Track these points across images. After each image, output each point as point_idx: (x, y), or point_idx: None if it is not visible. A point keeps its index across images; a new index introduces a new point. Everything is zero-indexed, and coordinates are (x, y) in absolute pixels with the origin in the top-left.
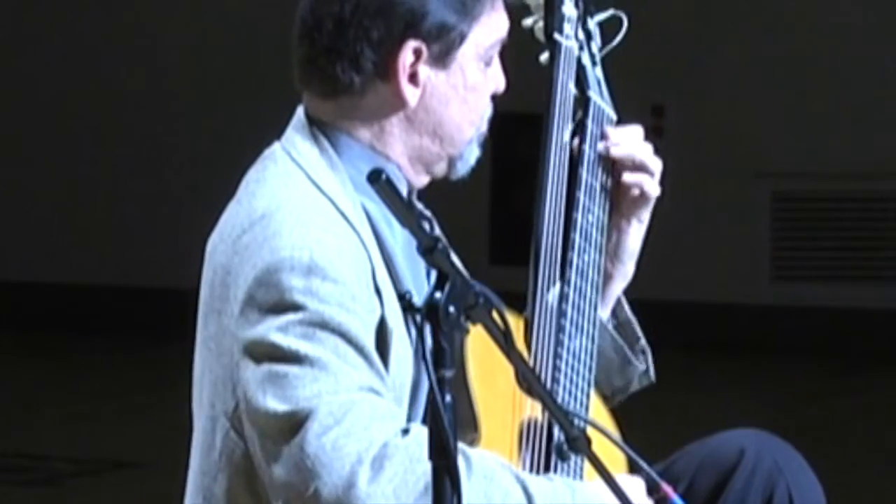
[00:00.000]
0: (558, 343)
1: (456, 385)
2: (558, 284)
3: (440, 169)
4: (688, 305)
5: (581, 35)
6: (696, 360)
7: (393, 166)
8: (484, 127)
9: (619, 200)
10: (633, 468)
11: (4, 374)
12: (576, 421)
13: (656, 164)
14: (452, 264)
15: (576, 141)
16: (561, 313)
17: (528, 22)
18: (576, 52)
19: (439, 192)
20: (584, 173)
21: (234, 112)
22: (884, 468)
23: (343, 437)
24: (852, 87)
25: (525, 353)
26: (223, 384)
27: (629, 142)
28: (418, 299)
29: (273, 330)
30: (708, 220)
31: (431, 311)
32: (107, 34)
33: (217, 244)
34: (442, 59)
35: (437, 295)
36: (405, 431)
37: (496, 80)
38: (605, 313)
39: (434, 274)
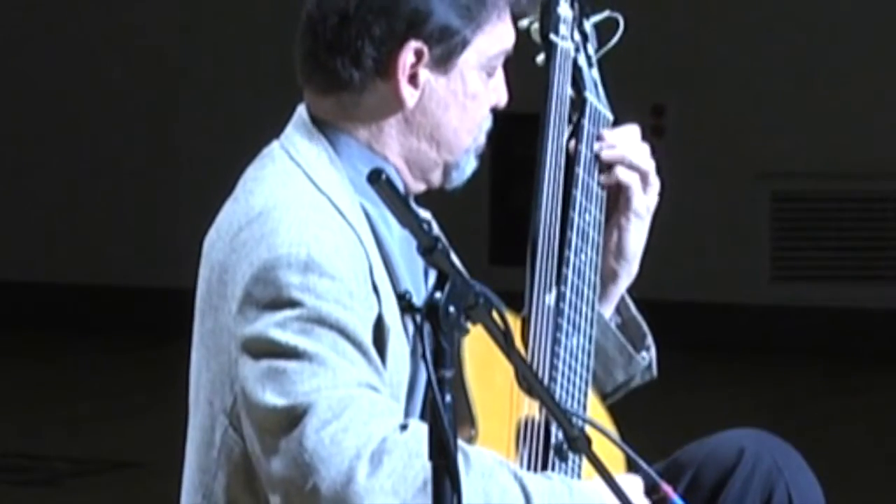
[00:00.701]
0: (556, 342)
1: (453, 382)
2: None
3: (436, 177)
4: (688, 305)
5: (577, 36)
6: (696, 360)
7: (391, 167)
8: (482, 139)
9: (617, 199)
10: (633, 468)
11: (4, 374)
12: (575, 421)
13: (649, 164)
14: (452, 264)
15: (572, 142)
16: (558, 313)
17: (524, 23)
18: (572, 53)
19: (439, 192)
20: (581, 173)
21: (234, 112)
22: (884, 468)
23: (342, 431)
24: (852, 88)
25: (523, 353)
26: (221, 381)
27: (623, 143)
28: (417, 299)
29: (271, 326)
30: (708, 220)
31: (431, 311)
32: (107, 34)
33: (214, 241)
34: (443, 63)
35: (437, 295)
36: (403, 427)
37: (498, 93)
38: (608, 311)
39: (433, 274)
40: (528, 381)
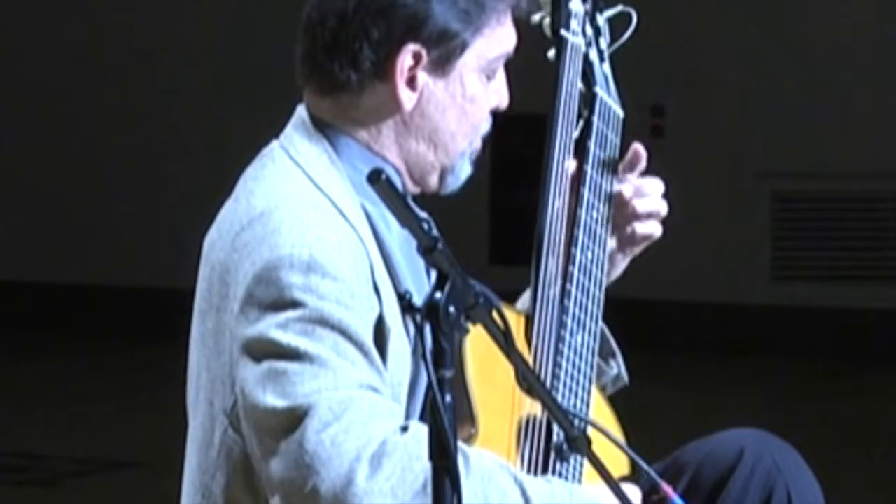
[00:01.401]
0: (560, 339)
1: (454, 381)
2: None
3: (433, 180)
4: (688, 305)
5: (589, 31)
6: (696, 360)
7: (390, 168)
8: (478, 143)
9: (620, 237)
10: (634, 468)
11: (4, 374)
12: (576, 421)
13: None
14: (452, 264)
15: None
16: (563, 309)
17: (536, 18)
18: (583, 48)
19: (437, 193)
20: (589, 170)
21: (234, 112)
22: (884, 468)
23: (342, 433)
24: (852, 88)
25: (526, 350)
26: (222, 382)
27: (656, 196)
28: (418, 299)
29: (272, 327)
30: (708, 220)
31: (432, 311)
32: (107, 34)
33: (215, 241)
34: (441, 66)
35: (438, 295)
36: (404, 429)
37: (498, 96)
38: None
39: (433, 274)
40: (529, 381)
